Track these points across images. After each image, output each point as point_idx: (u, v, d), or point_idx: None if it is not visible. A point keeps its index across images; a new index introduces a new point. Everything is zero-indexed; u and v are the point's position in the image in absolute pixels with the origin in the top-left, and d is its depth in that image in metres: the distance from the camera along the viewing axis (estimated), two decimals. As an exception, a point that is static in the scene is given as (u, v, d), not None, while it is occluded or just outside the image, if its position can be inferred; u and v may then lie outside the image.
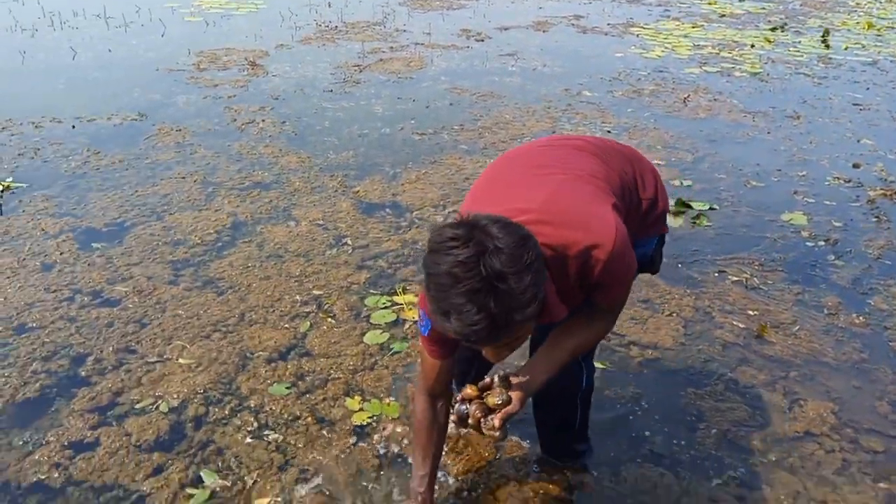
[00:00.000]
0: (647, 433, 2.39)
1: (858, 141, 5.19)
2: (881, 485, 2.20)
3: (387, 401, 2.49)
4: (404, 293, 3.09)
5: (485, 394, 1.56)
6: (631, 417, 2.46)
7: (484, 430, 1.53)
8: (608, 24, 8.92)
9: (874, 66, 7.19)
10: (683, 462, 2.27)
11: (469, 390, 1.57)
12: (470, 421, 1.55)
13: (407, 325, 2.91)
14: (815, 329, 2.96)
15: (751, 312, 3.07)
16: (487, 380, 1.58)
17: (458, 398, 1.59)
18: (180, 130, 4.99)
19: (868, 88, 6.47)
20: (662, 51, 7.68)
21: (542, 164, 1.66)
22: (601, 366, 2.69)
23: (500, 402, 1.53)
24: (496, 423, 1.51)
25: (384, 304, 3.02)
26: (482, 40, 7.88)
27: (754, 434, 2.40)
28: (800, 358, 2.79)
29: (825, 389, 2.62)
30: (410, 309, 2.97)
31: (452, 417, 1.64)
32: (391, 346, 2.77)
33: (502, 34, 8.21)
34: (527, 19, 9.03)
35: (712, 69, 6.98)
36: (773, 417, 2.48)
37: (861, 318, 3.05)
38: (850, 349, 2.84)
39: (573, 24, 8.87)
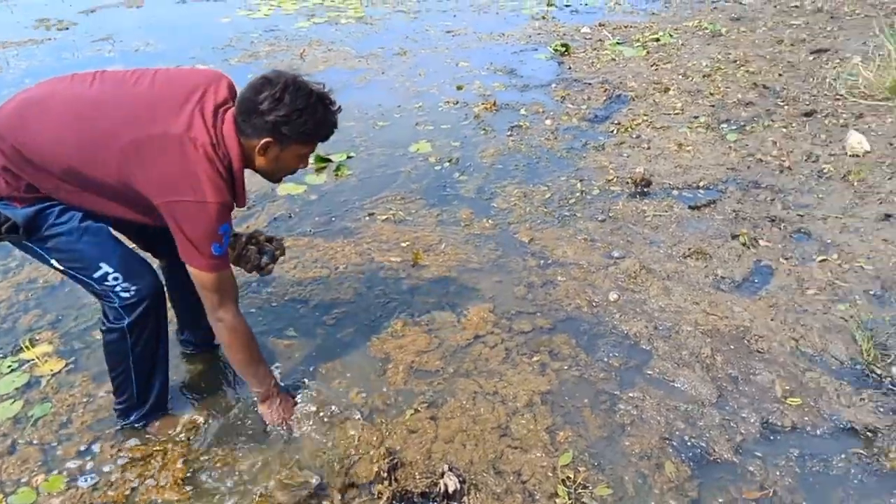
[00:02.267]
0: (342, 390, 2.41)
1: (457, 65, 5.79)
2: (534, 358, 2.54)
3: (40, 479, 2.09)
4: (33, 346, 2.61)
5: (254, 240, 2.27)
6: (323, 378, 2.45)
7: (283, 249, 2.34)
8: (207, -10, 8.48)
9: (455, -5, 8.05)
10: (380, 408, 2.34)
11: (252, 246, 2.26)
12: (277, 253, 2.30)
13: (45, 383, 2.47)
14: (457, 242, 3.27)
15: (404, 244, 3.27)
16: (243, 239, 2.24)
17: (255, 255, 2.24)
18: None
19: (455, 16, 7.23)
20: (269, 9, 7.58)
21: (126, 77, 1.92)
22: (294, 333, 2.66)
23: (266, 234, 2.31)
24: (283, 240, 2.38)
25: (10, 366, 2.52)
26: (66, 28, 6.91)
27: (432, 355, 2.57)
28: (453, 271, 3.06)
29: (479, 293, 2.92)
30: (46, 361, 2.53)
31: (271, 266, 2.29)
32: (31, 414, 2.32)
33: (90, 17, 7.29)
34: (115, -3, 8.15)
35: (320, 20, 7.12)
36: (447, 334, 2.68)
37: (490, 221, 3.46)
38: (488, 251, 3.21)
39: (169, -5, 8.25)
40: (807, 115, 4.56)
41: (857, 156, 3.94)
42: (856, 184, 3.66)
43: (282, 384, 2.31)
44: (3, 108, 1.88)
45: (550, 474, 2.06)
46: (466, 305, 2.84)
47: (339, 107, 1.95)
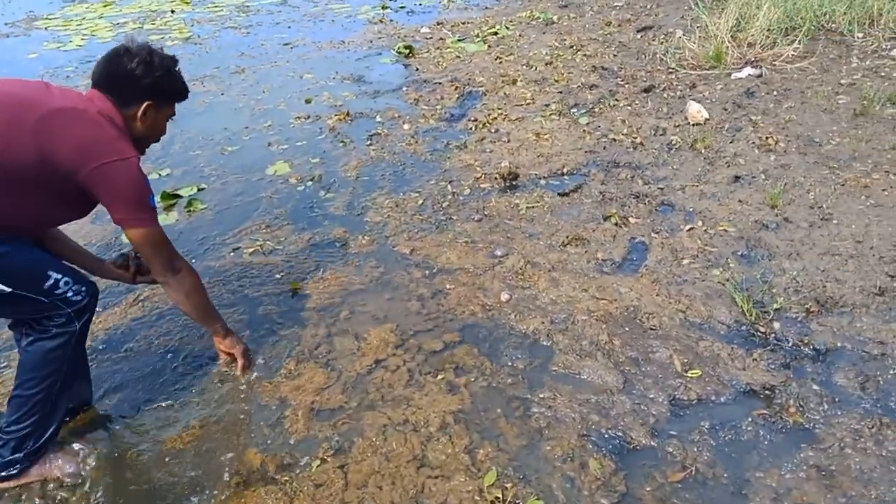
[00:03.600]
0: (237, 451, 2.16)
1: (301, 77, 5.55)
2: (440, 376, 2.41)
3: None
4: None
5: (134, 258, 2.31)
6: (212, 440, 2.19)
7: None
8: (6, 24, 7.59)
9: (286, 5, 7.75)
10: (282, 464, 2.12)
11: (130, 264, 2.31)
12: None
13: None
14: (335, 265, 3.08)
15: (278, 276, 3.03)
16: (119, 260, 2.32)
17: (134, 269, 2.31)
18: None
19: (289, 27, 6.95)
20: (83, 38, 6.91)
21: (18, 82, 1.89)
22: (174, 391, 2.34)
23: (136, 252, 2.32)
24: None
25: None
26: None
27: (333, 390, 2.37)
28: (337, 296, 2.87)
29: (370, 315, 2.74)
30: None
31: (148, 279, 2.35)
32: None
33: None
34: None
35: (143, 45, 6.58)
36: (345, 364, 2.48)
37: (366, 237, 3.29)
38: (369, 269, 3.05)
39: (-42, 33, 7.29)
40: (646, 90, 4.80)
41: (699, 124, 4.18)
42: (703, 151, 3.88)
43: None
44: None
45: (478, 498, 1.95)
46: (360, 330, 2.66)
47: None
